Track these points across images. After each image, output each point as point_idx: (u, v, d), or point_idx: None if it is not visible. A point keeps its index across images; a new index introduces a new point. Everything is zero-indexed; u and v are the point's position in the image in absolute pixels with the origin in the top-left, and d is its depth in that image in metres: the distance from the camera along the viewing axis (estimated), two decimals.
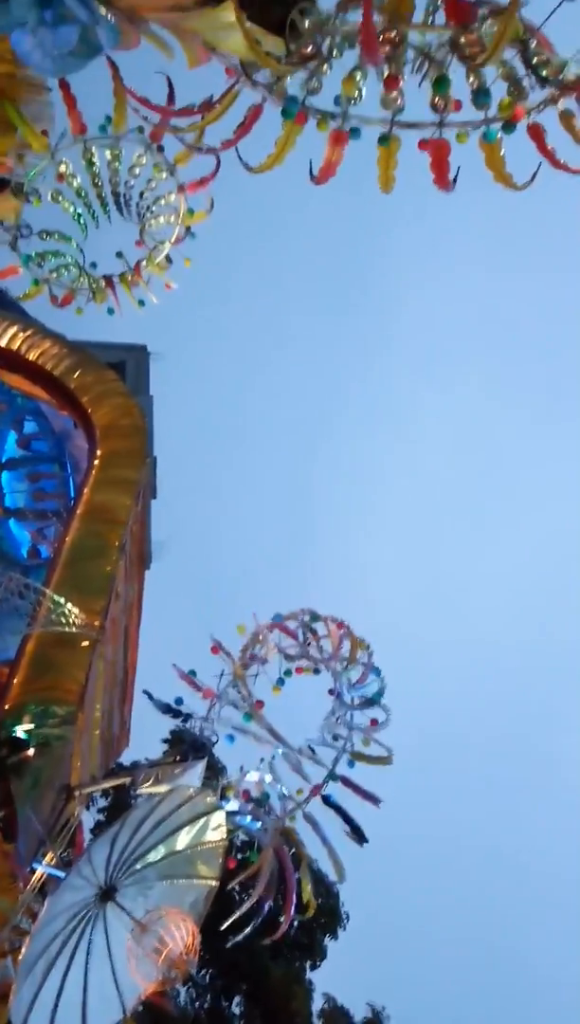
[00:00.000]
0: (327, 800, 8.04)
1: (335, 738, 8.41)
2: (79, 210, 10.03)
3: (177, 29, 5.49)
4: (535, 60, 5.57)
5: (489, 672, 52.27)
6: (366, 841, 8.19)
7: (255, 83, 5.85)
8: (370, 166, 5.97)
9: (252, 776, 8.06)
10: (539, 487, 55.56)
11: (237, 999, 19.31)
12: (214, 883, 6.84)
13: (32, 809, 7.99)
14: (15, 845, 7.99)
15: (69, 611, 9.62)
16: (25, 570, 14.14)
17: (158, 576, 18.28)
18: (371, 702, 8.71)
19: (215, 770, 9.37)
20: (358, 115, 5.82)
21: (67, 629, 9.53)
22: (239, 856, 8.29)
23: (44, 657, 9.71)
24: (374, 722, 8.59)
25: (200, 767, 7.54)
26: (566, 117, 5.79)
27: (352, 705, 8.59)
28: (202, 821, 6.78)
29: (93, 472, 12.79)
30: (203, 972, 18.62)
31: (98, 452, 13.16)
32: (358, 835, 8.17)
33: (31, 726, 8.73)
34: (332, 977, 20.75)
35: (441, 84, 5.35)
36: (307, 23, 5.33)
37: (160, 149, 9.35)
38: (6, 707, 9.13)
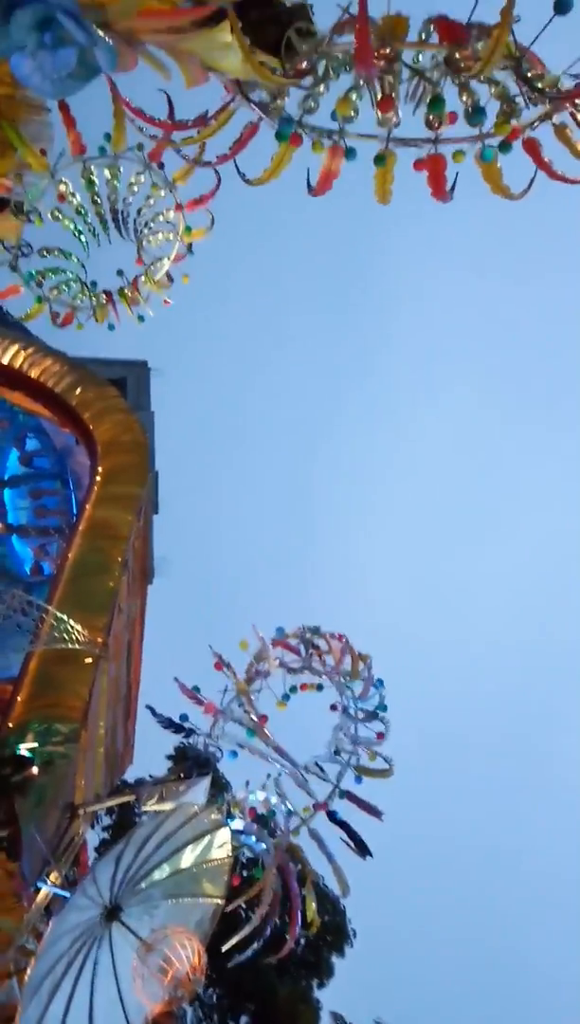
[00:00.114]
0: (333, 817, 7.99)
1: (337, 752, 8.38)
2: (79, 227, 10.09)
3: (174, 50, 5.54)
4: (529, 75, 5.63)
5: (489, 672, 52.30)
6: (370, 855, 8.14)
7: (251, 102, 5.91)
8: (367, 171, 6.03)
9: (258, 795, 8.02)
10: (539, 487, 55.68)
11: (244, 1019, 19.12)
12: (220, 901, 6.79)
13: (36, 828, 7.94)
14: (19, 864, 7.93)
15: (72, 628, 9.61)
16: (28, 587, 14.15)
17: (161, 591, 18.29)
18: (374, 715, 8.68)
19: (219, 786, 9.32)
20: (354, 131, 5.88)
21: (70, 646, 9.51)
22: (244, 874, 8.24)
23: (47, 674, 9.69)
24: (380, 736, 8.56)
25: (205, 784, 7.50)
26: (561, 130, 5.84)
27: (356, 718, 8.56)
28: (207, 839, 6.74)
29: (95, 488, 12.82)
30: (210, 991, 18.45)
31: (100, 468, 13.20)
32: (362, 849, 8.13)
33: (34, 744, 8.69)
34: (339, 995, 20.56)
35: (436, 104, 5.40)
36: (303, 45, 5.39)
37: (161, 166, 9.41)
38: (9, 725, 9.10)
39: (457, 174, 5.98)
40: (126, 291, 10.56)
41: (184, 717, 8.45)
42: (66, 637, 9.51)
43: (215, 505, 53.63)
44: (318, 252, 56.76)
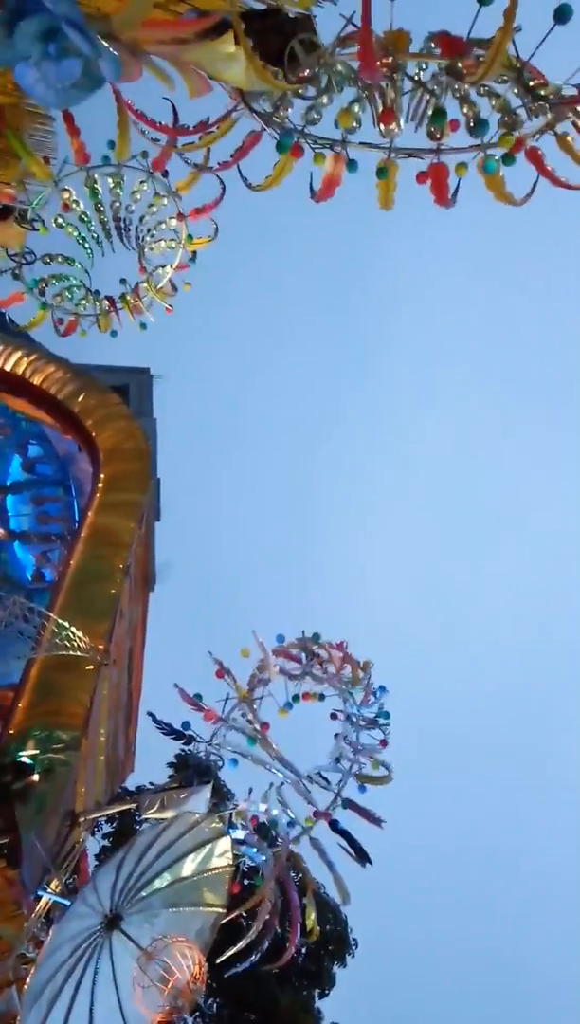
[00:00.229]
0: (335, 826, 7.97)
1: (337, 760, 8.37)
2: (83, 234, 10.12)
3: (178, 61, 5.58)
4: (531, 83, 5.66)
5: (489, 672, 52.26)
6: (370, 863, 8.12)
7: (254, 112, 5.95)
8: (369, 177, 6.06)
9: (261, 806, 8.00)
10: (539, 487, 55.71)
11: None
12: (221, 910, 6.76)
13: (36, 835, 7.93)
14: (19, 872, 7.91)
15: (73, 634, 9.60)
16: (29, 593, 14.16)
17: (162, 597, 18.29)
18: (375, 722, 8.67)
19: (221, 795, 9.30)
20: (356, 140, 5.91)
21: (71, 653, 9.50)
22: (246, 882, 8.21)
23: (48, 681, 9.69)
24: (383, 743, 8.55)
25: (206, 792, 7.48)
26: (563, 139, 5.87)
27: (358, 723, 8.55)
28: (208, 847, 6.72)
29: (97, 495, 12.85)
30: (210, 1001, 18.35)
31: (102, 475, 13.23)
32: (362, 857, 8.10)
33: (35, 751, 8.68)
34: (341, 1005, 20.45)
35: (438, 117, 5.43)
36: (306, 56, 5.43)
37: (165, 174, 9.45)
38: (10, 732, 9.10)
39: (458, 182, 6.02)
40: (128, 297, 10.58)
41: (186, 725, 8.43)
42: (68, 644, 9.50)
43: (217, 511, 53.75)
44: (319, 256, 57.03)
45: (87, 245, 10.25)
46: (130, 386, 20.53)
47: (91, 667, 9.80)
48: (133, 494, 12.90)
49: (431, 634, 51.90)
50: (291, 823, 8.01)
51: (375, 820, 8.19)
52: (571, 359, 55.39)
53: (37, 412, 15.15)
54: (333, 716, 8.65)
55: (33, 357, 14.77)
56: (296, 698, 8.67)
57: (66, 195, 9.63)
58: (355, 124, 5.58)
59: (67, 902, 7.17)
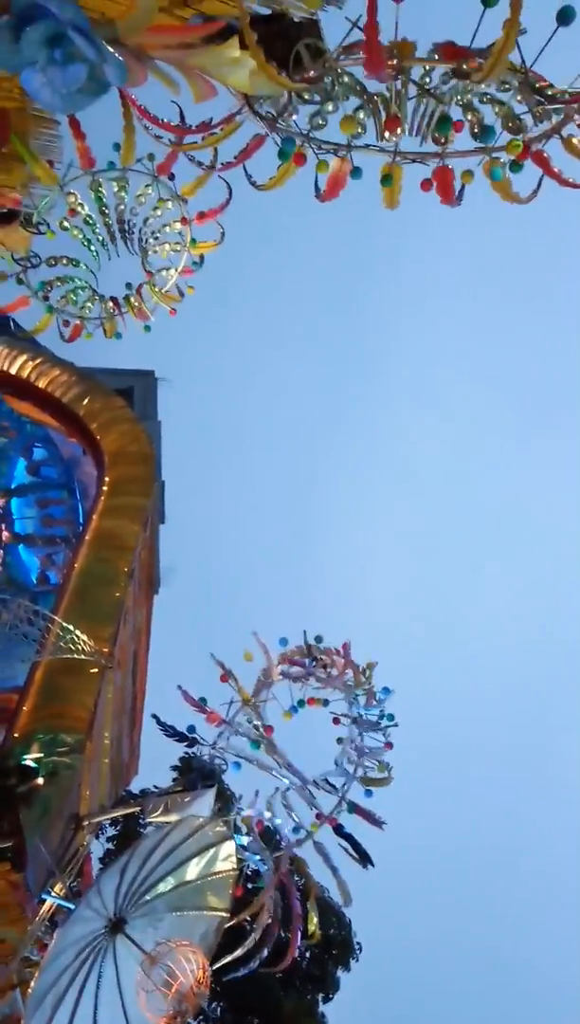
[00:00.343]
0: (339, 830, 7.96)
1: (336, 764, 8.37)
2: (88, 236, 10.13)
3: (183, 66, 5.61)
4: (537, 85, 5.67)
5: (489, 673, 52.25)
6: (371, 864, 8.11)
7: (259, 116, 5.96)
8: (373, 181, 6.08)
9: (266, 813, 8.00)
10: (539, 488, 55.68)
11: None
12: (224, 914, 6.75)
13: (41, 839, 7.92)
14: (23, 875, 7.91)
15: (78, 638, 9.60)
16: (34, 596, 14.16)
17: (166, 601, 18.29)
18: (377, 725, 8.66)
19: (225, 799, 9.29)
20: (360, 145, 5.92)
21: (76, 656, 9.50)
22: (249, 886, 8.20)
23: (53, 684, 9.68)
24: (389, 745, 8.54)
25: (210, 796, 7.48)
26: (569, 142, 5.87)
27: (361, 724, 8.54)
28: (212, 851, 6.71)
29: (102, 499, 12.85)
30: (214, 1005, 18.32)
31: (106, 479, 13.23)
32: (364, 859, 8.10)
33: (40, 754, 8.67)
34: (344, 1010, 20.41)
35: (443, 125, 5.43)
36: (311, 61, 5.44)
37: (171, 177, 9.46)
38: (15, 735, 9.09)
39: (463, 186, 6.02)
40: (132, 299, 10.59)
41: (191, 729, 8.43)
42: (72, 647, 9.50)
43: (222, 513, 53.85)
44: (322, 258, 57.19)
45: (92, 247, 10.27)
46: (135, 389, 20.55)
47: (95, 671, 9.79)
48: (138, 498, 12.90)
49: (431, 634, 51.98)
50: (296, 828, 8.01)
51: (377, 822, 8.18)
52: (573, 362, 55.45)
53: (42, 415, 15.18)
54: (335, 721, 8.64)
55: (38, 360, 14.79)
56: (301, 703, 8.67)
57: (72, 199, 9.66)
58: (360, 130, 5.59)
59: (71, 905, 7.17)
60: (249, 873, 8.31)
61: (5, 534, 16.51)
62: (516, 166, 5.61)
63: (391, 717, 8.71)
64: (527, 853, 48.08)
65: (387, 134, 5.54)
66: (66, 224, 9.90)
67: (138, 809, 8.90)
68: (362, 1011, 20.80)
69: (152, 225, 10.02)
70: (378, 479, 57.14)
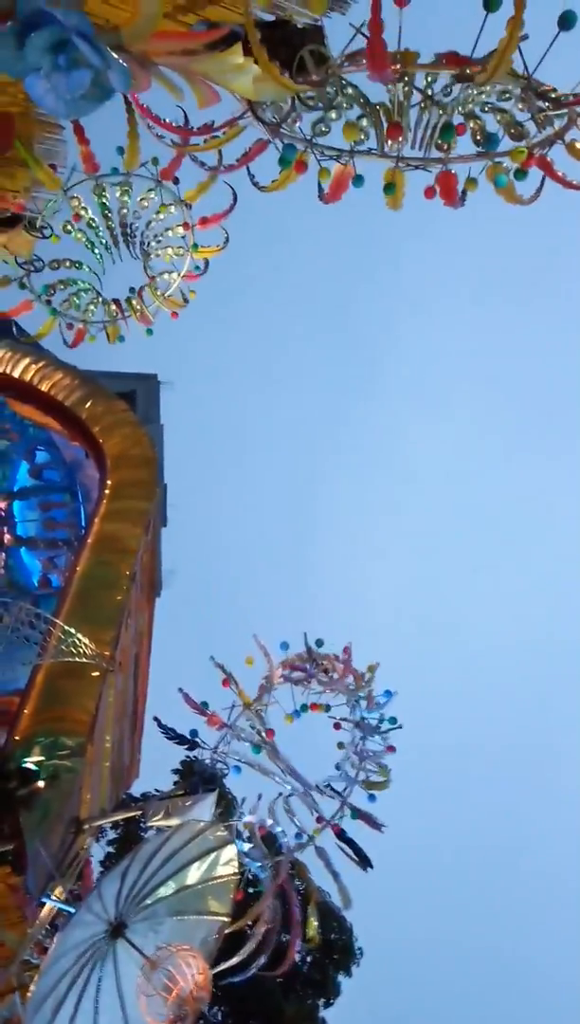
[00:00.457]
0: (342, 835, 7.95)
1: (337, 768, 8.36)
2: (91, 238, 10.15)
3: (187, 72, 5.62)
4: (541, 88, 5.69)
5: (489, 673, 52.28)
6: (371, 867, 8.10)
7: (262, 122, 5.98)
8: (376, 186, 6.10)
9: (268, 820, 8.00)
10: (539, 487, 55.73)
11: None
12: (225, 919, 6.74)
13: (41, 842, 7.92)
14: (23, 878, 7.90)
15: (79, 641, 9.60)
16: (36, 599, 14.19)
17: (168, 604, 18.30)
18: (376, 728, 8.65)
19: (226, 802, 9.28)
20: (364, 150, 5.94)
21: (77, 659, 9.50)
22: (250, 890, 8.19)
23: (54, 688, 9.68)
24: (391, 748, 8.54)
25: (211, 800, 7.47)
26: (573, 146, 5.88)
27: (364, 728, 8.54)
28: (213, 856, 6.70)
29: (104, 502, 12.86)
30: (215, 1010, 18.28)
31: (109, 482, 13.24)
32: (363, 861, 8.09)
33: (41, 758, 8.67)
34: (345, 1015, 20.36)
35: (446, 133, 5.45)
36: (315, 67, 5.46)
37: (176, 181, 9.47)
38: (16, 738, 9.09)
39: (468, 177, 6.04)
40: (133, 302, 10.60)
41: (194, 733, 8.43)
42: (73, 650, 9.50)
43: (223, 516, 53.90)
44: (325, 262, 57.44)
45: (96, 250, 10.27)
46: (137, 392, 20.61)
47: (97, 674, 9.79)
48: (140, 501, 12.91)
49: (432, 634, 52.17)
50: (298, 834, 8.01)
51: (376, 825, 8.18)
52: (573, 362, 55.51)
53: (45, 418, 15.19)
54: (337, 726, 8.64)
55: (41, 364, 14.81)
56: (304, 707, 8.67)
57: (75, 203, 9.67)
58: (362, 136, 5.60)
59: (71, 909, 7.16)
60: (250, 877, 8.31)
61: (7, 537, 16.53)
62: (521, 174, 5.63)
63: (394, 720, 8.71)
64: (527, 853, 48.07)
65: (389, 142, 5.56)
66: (69, 228, 9.91)
67: (139, 813, 8.89)
68: (362, 1011, 20.76)
69: (155, 228, 10.03)
70: (379, 480, 57.30)
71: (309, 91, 5.73)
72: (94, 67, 4.62)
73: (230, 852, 6.81)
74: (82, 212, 9.82)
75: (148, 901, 6.42)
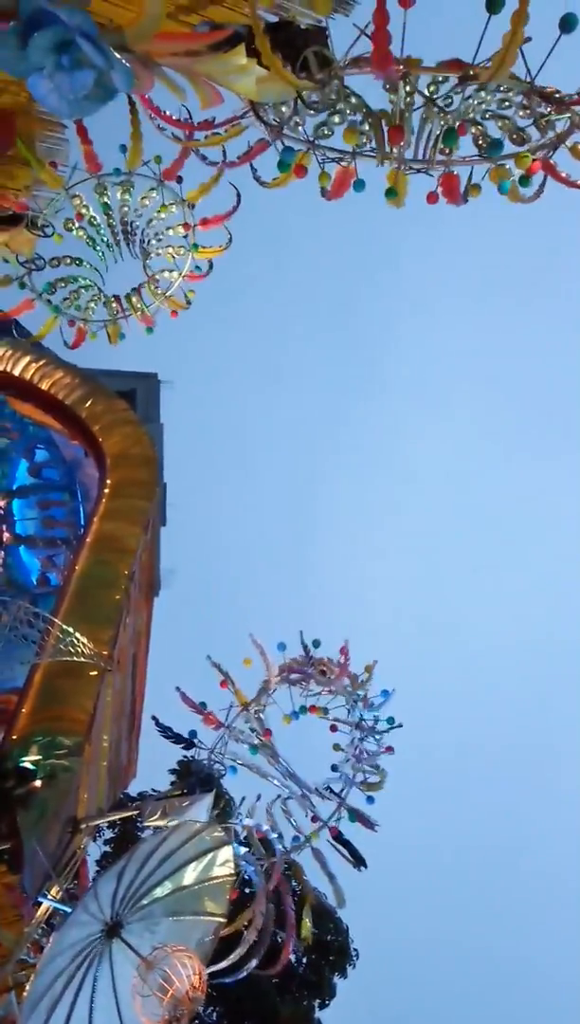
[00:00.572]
0: (339, 837, 7.96)
1: (333, 769, 8.36)
2: (92, 236, 10.14)
3: (190, 72, 5.62)
4: (545, 90, 5.70)
5: (489, 673, 52.31)
6: (365, 866, 8.11)
7: (264, 123, 5.99)
8: (378, 186, 6.11)
9: (265, 825, 8.00)
10: (539, 488, 55.74)
11: None
12: (221, 920, 6.74)
13: (38, 841, 7.91)
14: (20, 877, 7.90)
15: (78, 640, 9.60)
16: (34, 598, 14.18)
17: (167, 603, 18.30)
18: (373, 729, 8.66)
19: (223, 803, 9.28)
20: (366, 152, 5.94)
21: (75, 658, 9.50)
22: (245, 891, 8.20)
23: (52, 687, 9.67)
24: (389, 749, 8.54)
25: (208, 800, 7.47)
26: (576, 149, 5.90)
27: (363, 729, 8.54)
28: (209, 856, 6.69)
29: (103, 501, 12.85)
30: (210, 1010, 18.28)
31: (108, 481, 13.23)
32: (358, 861, 8.10)
33: (38, 757, 8.67)
34: (341, 1016, 20.35)
35: (449, 137, 5.46)
36: (318, 68, 5.46)
37: (179, 180, 9.47)
38: (13, 737, 9.08)
39: (470, 177, 6.06)
40: (133, 300, 10.60)
41: (193, 734, 8.43)
42: (71, 650, 9.50)
43: (223, 515, 53.91)
44: (326, 261, 57.49)
45: (97, 247, 10.27)
46: (137, 391, 20.59)
47: (95, 673, 9.78)
48: (139, 500, 12.89)
49: (432, 634, 52.24)
50: (295, 837, 8.01)
51: (369, 824, 8.19)
52: (573, 363, 55.55)
53: (44, 417, 15.19)
54: (333, 728, 8.64)
55: (41, 362, 14.81)
56: (303, 709, 8.67)
57: (77, 202, 9.67)
58: (364, 140, 5.61)
59: (67, 908, 7.16)
60: (245, 877, 8.31)
61: (6, 535, 16.52)
62: (525, 180, 5.65)
63: (391, 720, 8.71)
64: (527, 853, 48.09)
65: (390, 145, 5.57)
66: (71, 225, 9.91)
67: (136, 813, 8.89)
68: (361, 1012, 20.75)
69: (155, 227, 10.02)
70: (379, 480, 57.32)
71: (312, 90, 5.74)
72: (97, 67, 4.62)
73: (226, 853, 6.80)
74: (84, 211, 9.82)
75: (144, 901, 6.41)
